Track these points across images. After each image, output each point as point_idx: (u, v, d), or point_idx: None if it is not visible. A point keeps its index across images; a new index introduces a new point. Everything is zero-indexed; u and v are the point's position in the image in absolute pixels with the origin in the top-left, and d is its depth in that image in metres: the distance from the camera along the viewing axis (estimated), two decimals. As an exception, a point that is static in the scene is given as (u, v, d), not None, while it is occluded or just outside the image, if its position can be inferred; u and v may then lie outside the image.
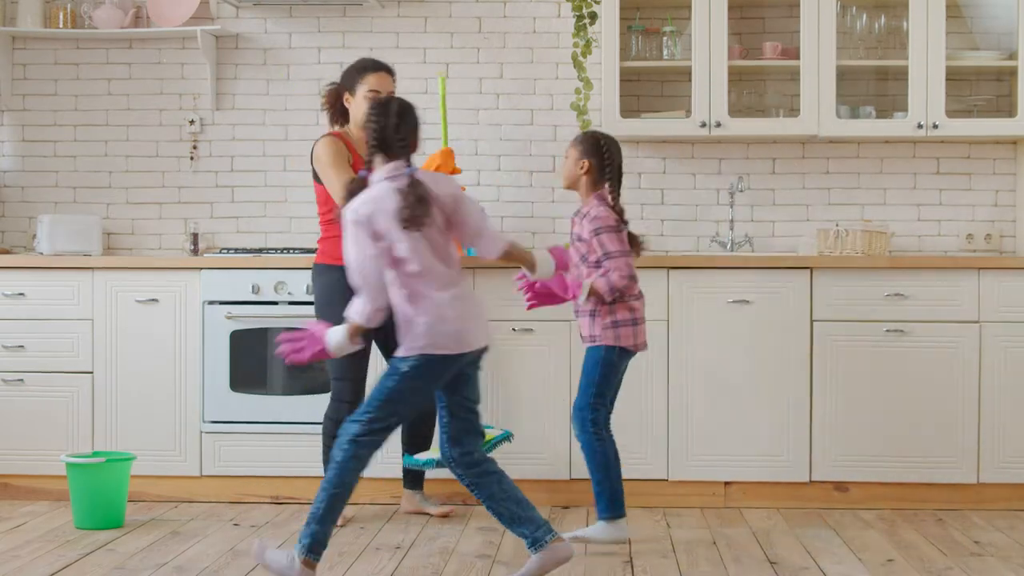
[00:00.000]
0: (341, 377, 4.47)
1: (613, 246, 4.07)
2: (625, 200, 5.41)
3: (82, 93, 5.60)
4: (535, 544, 3.53)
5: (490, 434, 4.46)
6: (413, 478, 4.71)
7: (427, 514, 4.65)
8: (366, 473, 4.85)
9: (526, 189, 5.47)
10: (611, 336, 4.11)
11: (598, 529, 4.12)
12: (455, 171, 4.87)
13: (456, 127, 5.45)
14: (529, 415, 4.83)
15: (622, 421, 4.81)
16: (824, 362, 4.81)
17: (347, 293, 4.18)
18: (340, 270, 4.24)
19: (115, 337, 4.95)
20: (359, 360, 4.44)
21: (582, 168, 4.18)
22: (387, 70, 4.56)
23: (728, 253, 5.29)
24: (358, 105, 4.49)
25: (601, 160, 4.17)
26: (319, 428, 4.85)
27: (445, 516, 4.63)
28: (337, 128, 4.60)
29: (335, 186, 4.34)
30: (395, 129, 3.49)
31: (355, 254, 3.45)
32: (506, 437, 4.46)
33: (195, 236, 5.44)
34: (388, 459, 4.58)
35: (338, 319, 4.19)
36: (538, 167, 5.47)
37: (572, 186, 4.24)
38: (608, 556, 4.03)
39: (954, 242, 5.39)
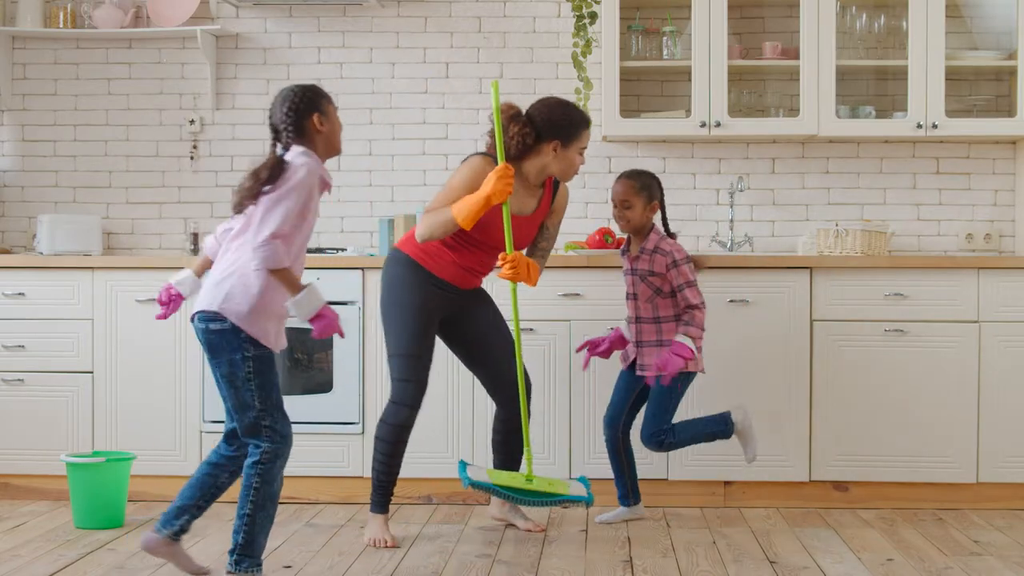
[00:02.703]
0: (406, 379, 4.15)
1: (692, 275, 4.30)
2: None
3: (82, 93, 5.60)
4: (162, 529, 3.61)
5: (574, 489, 4.21)
6: None
7: (514, 526, 4.45)
8: (365, 473, 4.88)
9: (526, 189, 5.46)
10: (697, 362, 4.34)
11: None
12: (499, 190, 3.97)
13: (456, 127, 5.46)
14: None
15: (622, 421, 4.83)
16: (824, 362, 4.81)
17: (417, 286, 4.12)
18: (414, 264, 4.18)
19: (115, 337, 4.95)
20: (425, 361, 4.18)
21: (652, 210, 4.37)
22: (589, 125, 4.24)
23: (728, 253, 5.29)
24: (564, 158, 4.16)
25: (663, 197, 4.40)
26: (318, 428, 4.86)
27: (536, 531, 4.39)
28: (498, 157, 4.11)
29: (440, 199, 4.07)
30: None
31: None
32: (586, 501, 4.16)
33: (195, 236, 5.44)
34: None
35: (399, 312, 4.13)
36: (538, 167, 5.47)
37: (640, 231, 4.37)
38: (608, 556, 4.03)
39: (954, 242, 5.40)
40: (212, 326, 3.45)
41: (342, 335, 3.53)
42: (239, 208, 3.48)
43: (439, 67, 5.48)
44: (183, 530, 3.62)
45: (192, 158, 5.56)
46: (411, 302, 4.16)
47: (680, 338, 4.25)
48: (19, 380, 4.97)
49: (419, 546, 4.17)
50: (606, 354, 4.50)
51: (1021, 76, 5.06)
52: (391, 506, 4.77)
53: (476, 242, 4.15)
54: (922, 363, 4.79)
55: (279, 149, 3.51)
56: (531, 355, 4.82)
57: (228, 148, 5.55)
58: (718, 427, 4.39)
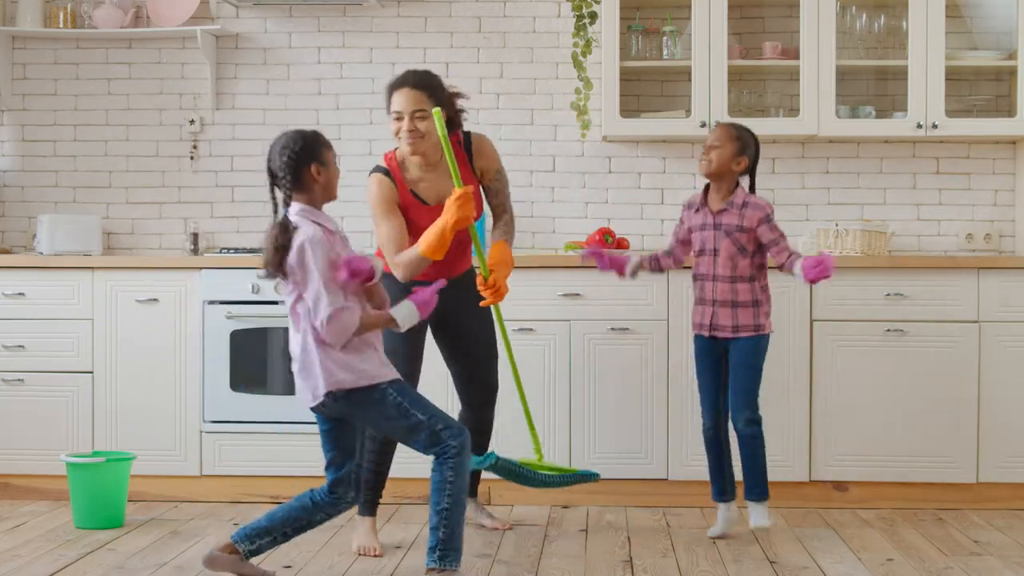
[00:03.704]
0: None
1: (778, 231, 4.20)
2: (625, 200, 5.46)
3: (82, 93, 5.60)
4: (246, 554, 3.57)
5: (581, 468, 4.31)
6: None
7: (481, 525, 4.45)
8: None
9: (526, 189, 5.47)
10: (769, 323, 4.27)
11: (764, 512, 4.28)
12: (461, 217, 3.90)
13: (456, 127, 5.45)
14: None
15: (623, 420, 4.82)
16: (824, 362, 4.81)
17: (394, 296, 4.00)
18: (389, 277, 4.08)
19: (115, 337, 4.95)
20: (413, 362, 4.16)
21: (738, 164, 4.23)
22: (410, 84, 4.04)
23: (728, 253, 5.29)
24: (394, 128, 4.06)
25: (755, 160, 4.27)
26: (318, 428, 4.84)
27: (502, 529, 4.41)
28: (387, 160, 4.16)
29: (381, 239, 4.05)
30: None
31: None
32: (594, 477, 4.30)
33: (195, 236, 5.44)
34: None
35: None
36: (538, 167, 5.47)
37: (717, 177, 4.24)
38: (608, 556, 4.03)
39: (954, 242, 5.40)
40: (340, 400, 3.48)
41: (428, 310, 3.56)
42: (270, 276, 3.51)
43: (439, 67, 5.47)
44: (258, 551, 3.57)
45: (192, 158, 5.56)
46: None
47: (810, 256, 4.08)
48: (19, 380, 4.97)
49: (419, 546, 4.17)
50: (602, 262, 4.33)
51: (1021, 76, 5.06)
52: (390, 507, 4.78)
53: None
54: (922, 363, 4.79)
55: (279, 197, 3.53)
56: (531, 355, 4.83)
57: (228, 148, 5.55)
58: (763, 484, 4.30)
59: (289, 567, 3.87)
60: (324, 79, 5.52)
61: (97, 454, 4.63)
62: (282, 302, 4.80)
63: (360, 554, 4.05)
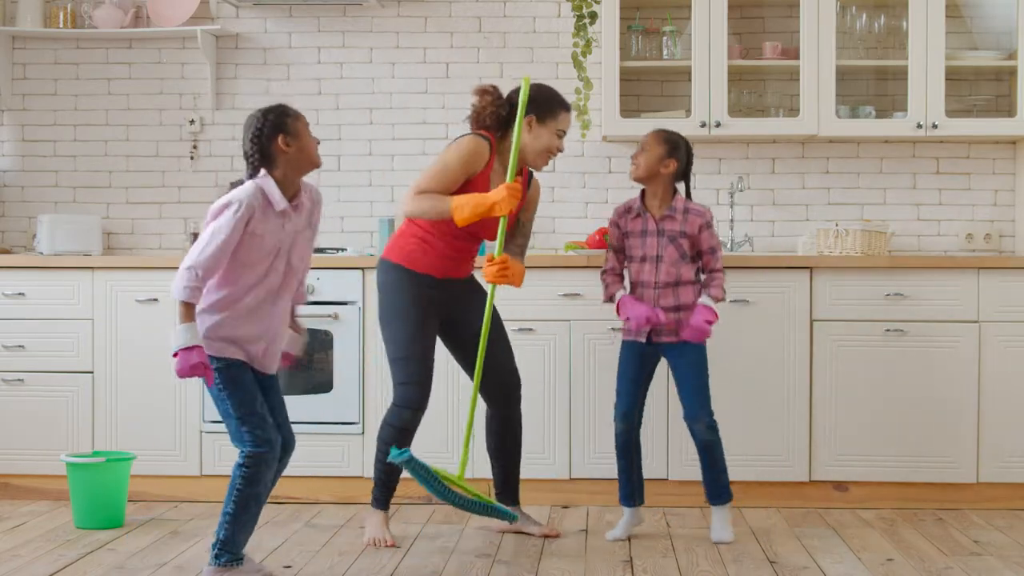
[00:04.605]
0: (406, 381, 4.12)
1: (717, 239, 4.22)
2: (625, 200, 5.45)
3: (82, 93, 5.60)
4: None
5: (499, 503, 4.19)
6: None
7: (528, 534, 4.34)
8: (365, 473, 4.88)
9: (526, 189, 5.46)
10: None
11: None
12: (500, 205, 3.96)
13: (456, 127, 5.45)
14: (529, 415, 4.82)
15: (622, 421, 4.83)
16: (824, 362, 4.81)
17: (407, 289, 4.09)
18: (401, 269, 4.15)
19: (115, 337, 4.95)
20: (426, 363, 4.14)
21: (666, 167, 4.19)
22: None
23: (728, 253, 5.29)
24: (540, 137, 4.14)
25: (686, 165, 4.24)
26: (318, 428, 4.86)
27: (550, 536, 4.31)
28: (491, 134, 4.18)
29: (432, 174, 4.05)
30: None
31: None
32: (507, 516, 4.08)
33: (195, 236, 5.44)
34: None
35: (392, 317, 4.12)
36: (538, 167, 5.47)
37: (646, 180, 4.21)
38: (608, 556, 4.03)
39: (954, 242, 5.40)
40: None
41: (183, 376, 3.45)
42: None
43: (439, 67, 5.48)
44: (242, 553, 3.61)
45: (192, 158, 5.56)
46: (405, 305, 4.14)
47: (706, 301, 4.13)
48: (19, 380, 4.98)
49: (419, 546, 4.17)
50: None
51: (1021, 76, 5.06)
52: (392, 505, 4.78)
53: (455, 232, 4.10)
54: (922, 363, 4.79)
55: (246, 175, 3.55)
56: (531, 355, 4.83)
57: (228, 148, 5.55)
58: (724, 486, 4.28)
59: (289, 567, 3.87)
60: (324, 79, 5.52)
61: (97, 454, 4.63)
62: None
63: (373, 545, 4.08)
